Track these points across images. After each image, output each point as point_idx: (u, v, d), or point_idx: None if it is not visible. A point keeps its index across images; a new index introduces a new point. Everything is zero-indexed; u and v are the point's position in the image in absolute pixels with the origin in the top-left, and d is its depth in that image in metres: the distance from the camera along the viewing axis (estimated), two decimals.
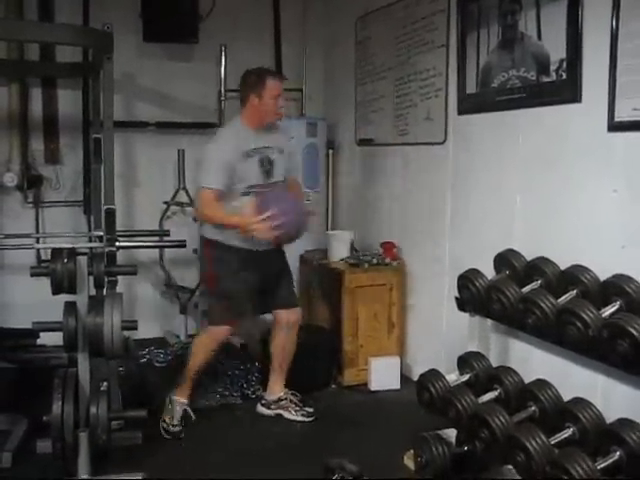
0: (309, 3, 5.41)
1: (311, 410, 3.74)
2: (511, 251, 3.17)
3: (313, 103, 5.44)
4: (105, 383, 3.09)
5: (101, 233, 3.60)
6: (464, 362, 3.16)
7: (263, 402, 3.84)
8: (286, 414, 3.76)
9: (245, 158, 3.46)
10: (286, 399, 3.78)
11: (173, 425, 3.55)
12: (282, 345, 3.79)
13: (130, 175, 4.92)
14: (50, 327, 3.07)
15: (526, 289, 2.91)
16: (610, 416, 2.57)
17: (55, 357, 3.93)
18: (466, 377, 3.09)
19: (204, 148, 3.59)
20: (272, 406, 3.80)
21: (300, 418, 3.73)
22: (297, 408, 3.75)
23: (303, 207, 3.68)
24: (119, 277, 3.66)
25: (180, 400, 3.63)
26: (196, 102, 5.20)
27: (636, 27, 2.60)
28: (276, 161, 3.57)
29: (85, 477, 2.82)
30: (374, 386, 4.18)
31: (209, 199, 3.39)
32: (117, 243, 3.61)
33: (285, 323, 3.76)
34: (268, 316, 3.87)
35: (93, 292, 3.44)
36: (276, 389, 3.82)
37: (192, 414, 3.66)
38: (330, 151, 5.21)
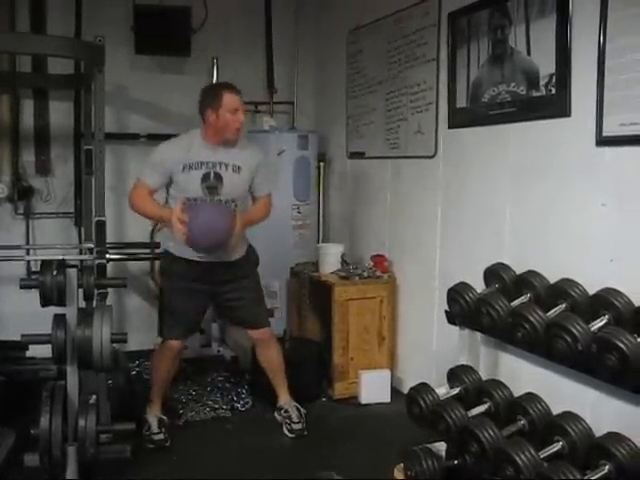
0: (301, 16, 5.44)
1: (298, 427, 3.71)
2: (501, 265, 3.19)
3: (304, 116, 5.46)
4: (94, 396, 3.07)
5: (91, 245, 3.60)
6: (454, 375, 3.16)
7: (277, 406, 3.86)
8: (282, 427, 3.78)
9: (186, 170, 3.43)
10: (284, 410, 3.78)
11: (154, 433, 3.57)
12: (268, 360, 3.83)
13: (121, 187, 4.91)
14: (39, 339, 3.04)
15: (515, 303, 2.93)
16: (599, 430, 2.57)
17: (44, 370, 3.89)
18: (456, 390, 3.10)
19: (156, 146, 3.60)
20: (276, 413, 3.84)
21: (288, 434, 3.73)
22: (288, 423, 3.74)
23: (223, 226, 3.34)
24: (109, 289, 3.66)
25: (152, 414, 3.67)
26: (187, 114, 5.15)
27: (622, 43, 2.63)
28: (227, 178, 3.47)
29: None
30: (364, 399, 4.17)
31: (141, 189, 3.47)
32: (107, 255, 3.61)
33: (258, 341, 3.82)
34: None
35: (83, 304, 3.43)
36: (280, 398, 3.84)
37: (165, 418, 3.69)
38: (321, 164, 5.21)
